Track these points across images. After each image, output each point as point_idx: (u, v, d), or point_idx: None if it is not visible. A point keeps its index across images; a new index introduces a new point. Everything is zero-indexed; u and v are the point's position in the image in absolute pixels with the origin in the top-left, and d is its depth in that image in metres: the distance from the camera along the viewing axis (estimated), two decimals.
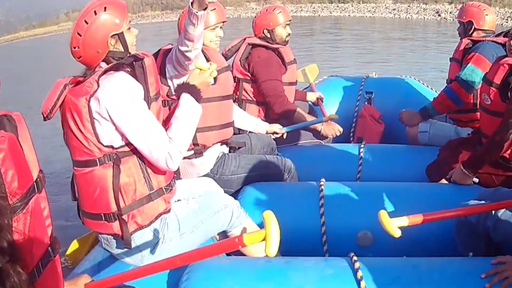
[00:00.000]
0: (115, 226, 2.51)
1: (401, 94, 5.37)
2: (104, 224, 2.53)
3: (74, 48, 2.50)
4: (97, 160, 2.44)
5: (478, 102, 3.76)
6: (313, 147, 4.36)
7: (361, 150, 4.08)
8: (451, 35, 26.48)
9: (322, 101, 5.11)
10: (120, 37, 2.55)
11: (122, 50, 2.58)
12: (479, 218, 2.58)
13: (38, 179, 1.92)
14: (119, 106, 2.37)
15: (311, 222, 3.09)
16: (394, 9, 58.32)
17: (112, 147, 2.44)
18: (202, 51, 3.41)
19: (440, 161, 3.67)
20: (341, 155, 4.13)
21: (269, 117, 4.42)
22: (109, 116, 2.38)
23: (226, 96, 3.54)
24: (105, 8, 2.49)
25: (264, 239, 1.75)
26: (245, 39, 4.54)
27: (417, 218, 2.33)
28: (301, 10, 61.66)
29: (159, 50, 3.55)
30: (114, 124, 2.40)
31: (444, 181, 3.48)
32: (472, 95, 3.96)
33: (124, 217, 2.49)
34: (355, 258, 2.44)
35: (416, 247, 2.87)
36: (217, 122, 3.48)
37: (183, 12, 3.67)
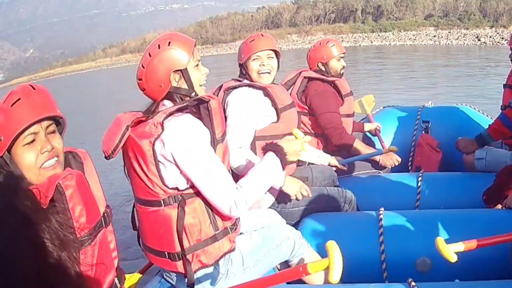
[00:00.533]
0: (179, 265, 2.50)
1: (458, 122, 5.40)
2: (167, 261, 2.53)
3: (139, 80, 2.51)
4: (162, 201, 2.43)
5: None
6: (372, 177, 4.43)
7: (419, 179, 4.12)
8: (493, 59, 26.59)
9: (380, 132, 5.20)
10: (184, 73, 2.51)
11: (186, 87, 2.54)
12: None
13: (105, 214, 2.06)
14: (184, 150, 2.35)
15: (371, 250, 3.16)
16: (434, 36, 58.67)
17: (177, 189, 2.42)
18: (266, 91, 3.44)
19: (496, 187, 3.67)
20: (399, 184, 4.18)
21: (328, 149, 4.49)
22: (174, 159, 2.36)
23: (289, 133, 3.41)
24: (169, 42, 2.47)
25: (327, 267, 1.84)
26: (300, 72, 4.63)
27: (472, 244, 2.38)
28: (342, 40, 62.51)
29: (221, 86, 3.56)
30: (178, 167, 2.38)
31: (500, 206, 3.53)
32: None
33: (189, 256, 2.47)
34: (413, 283, 2.51)
35: (473, 271, 2.91)
36: None
37: (244, 40, 3.67)
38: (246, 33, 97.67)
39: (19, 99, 1.84)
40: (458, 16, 76.24)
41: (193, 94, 2.56)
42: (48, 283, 1.53)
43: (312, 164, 4.18)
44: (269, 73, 3.52)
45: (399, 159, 4.47)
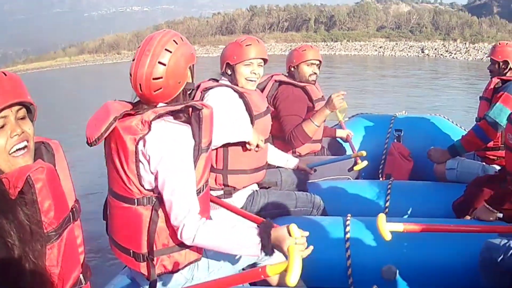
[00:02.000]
0: (143, 266, 2.46)
1: (430, 132, 5.40)
2: (131, 260, 2.48)
3: (154, 80, 2.35)
4: (136, 200, 2.38)
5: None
6: (342, 183, 4.36)
7: (389, 186, 4.10)
8: (441, 72, 29.90)
9: (351, 138, 5.16)
10: (192, 69, 2.53)
11: (191, 81, 2.55)
12: (503, 255, 2.61)
13: (73, 209, 2.00)
14: (163, 157, 2.29)
15: (337, 255, 3.13)
16: (380, 47, 61.50)
17: (153, 191, 2.38)
18: (243, 95, 3.40)
19: (466, 198, 3.67)
20: (369, 191, 4.15)
21: (296, 152, 4.50)
22: (149, 161, 2.30)
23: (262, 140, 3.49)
24: (181, 38, 2.46)
25: (286, 270, 1.82)
26: (272, 76, 4.60)
27: (412, 227, 2.45)
28: (290, 48, 65.34)
29: (198, 86, 3.51)
30: (150, 170, 2.32)
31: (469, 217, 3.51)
32: (500, 133, 3.98)
33: (154, 260, 2.43)
34: None
35: (440, 281, 2.90)
36: (251, 166, 3.47)
37: (226, 46, 3.66)
38: (200, 38, 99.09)
39: None
40: (410, 28, 79.68)
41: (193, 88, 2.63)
42: (9, 276, 1.47)
43: (281, 167, 4.13)
44: (256, 80, 3.53)
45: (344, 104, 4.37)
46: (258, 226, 2.45)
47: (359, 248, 3.14)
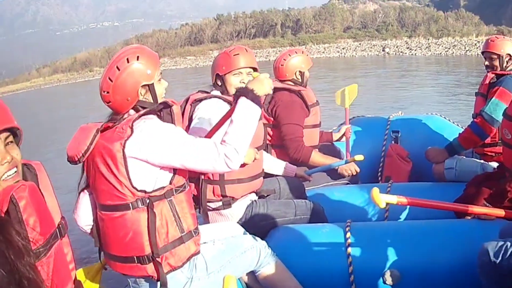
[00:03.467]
0: (149, 268, 2.51)
1: (428, 131, 5.34)
2: (136, 266, 2.53)
3: (104, 92, 2.52)
4: (130, 204, 2.44)
5: None
6: (341, 189, 4.34)
7: (388, 189, 4.06)
8: (404, 69, 31.43)
9: (349, 139, 5.11)
10: (150, 88, 2.56)
11: (151, 101, 2.58)
12: (502, 257, 2.57)
13: (60, 225, 2.02)
14: (159, 144, 2.41)
15: (338, 262, 3.10)
16: (343, 48, 64.24)
17: (145, 191, 2.45)
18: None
19: (466, 197, 3.60)
20: (368, 195, 4.03)
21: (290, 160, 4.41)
22: (151, 157, 2.42)
23: (256, 147, 3.49)
24: (138, 57, 2.50)
25: None
26: None
27: (403, 200, 2.60)
28: (256, 55, 66.13)
29: (188, 98, 3.52)
30: (159, 163, 2.44)
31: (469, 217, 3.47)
32: (497, 129, 3.94)
33: (158, 259, 2.49)
34: None
35: (442, 284, 2.88)
36: (247, 174, 3.44)
37: (216, 56, 3.68)
38: (169, 50, 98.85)
39: None
40: (376, 27, 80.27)
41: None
42: None
43: (279, 176, 4.10)
44: None
45: (358, 169, 4.41)
46: (238, 98, 2.64)
47: (360, 254, 3.11)
